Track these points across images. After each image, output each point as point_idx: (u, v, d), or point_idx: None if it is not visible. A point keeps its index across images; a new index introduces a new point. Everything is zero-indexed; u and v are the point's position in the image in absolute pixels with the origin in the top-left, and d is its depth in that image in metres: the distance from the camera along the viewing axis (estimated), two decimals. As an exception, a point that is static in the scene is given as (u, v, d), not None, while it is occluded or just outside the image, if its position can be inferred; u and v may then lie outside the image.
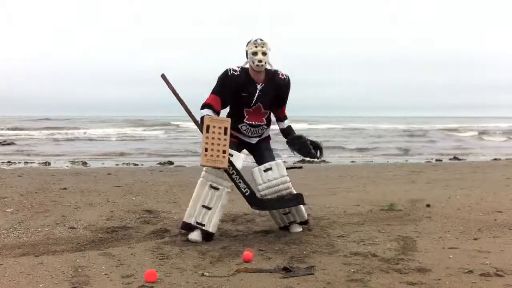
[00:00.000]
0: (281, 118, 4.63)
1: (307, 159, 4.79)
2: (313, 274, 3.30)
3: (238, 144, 4.47)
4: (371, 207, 5.93)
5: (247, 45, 4.28)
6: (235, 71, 4.28)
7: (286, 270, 3.34)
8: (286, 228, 4.59)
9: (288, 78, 4.43)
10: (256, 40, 4.23)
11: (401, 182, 8.62)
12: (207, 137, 4.08)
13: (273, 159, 4.44)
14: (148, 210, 5.66)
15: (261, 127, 4.47)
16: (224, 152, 4.09)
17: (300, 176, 9.69)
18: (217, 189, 4.14)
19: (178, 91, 4.30)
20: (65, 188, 7.39)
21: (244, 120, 4.39)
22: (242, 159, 4.24)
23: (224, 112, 4.47)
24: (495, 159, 15.14)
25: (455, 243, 4.15)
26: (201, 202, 4.15)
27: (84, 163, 13.01)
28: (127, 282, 3.14)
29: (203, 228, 4.14)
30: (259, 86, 4.31)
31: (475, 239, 4.31)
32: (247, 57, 4.28)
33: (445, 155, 17.06)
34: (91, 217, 5.22)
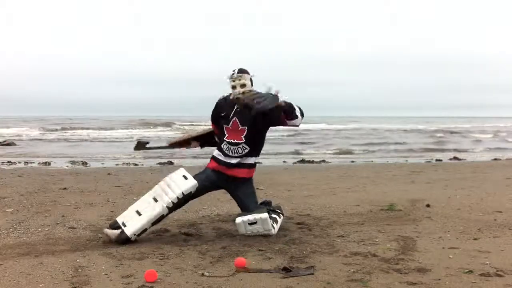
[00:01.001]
0: (290, 118, 4.40)
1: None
2: (313, 274, 3.30)
3: (216, 180, 4.50)
4: (371, 207, 5.93)
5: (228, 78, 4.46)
6: (220, 100, 4.63)
7: (286, 270, 3.34)
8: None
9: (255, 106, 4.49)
10: (232, 75, 4.40)
11: (401, 182, 8.62)
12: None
13: (258, 207, 4.46)
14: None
15: (240, 146, 4.44)
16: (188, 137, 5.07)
17: (300, 176, 9.69)
18: (156, 200, 4.23)
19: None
20: (65, 188, 7.39)
21: (225, 139, 4.50)
22: (193, 186, 4.28)
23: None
24: (495, 159, 15.14)
25: (455, 243, 4.15)
26: (137, 208, 4.22)
27: (84, 163, 13.00)
28: (127, 282, 3.14)
29: (124, 228, 4.10)
30: (236, 107, 4.46)
31: (475, 239, 4.31)
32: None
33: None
34: (91, 217, 5.22)
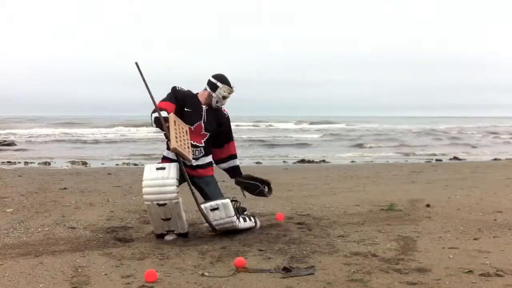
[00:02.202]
0: (232, 156, 4.72)
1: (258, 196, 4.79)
2: (313, 274, 3.30)
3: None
4: (371, 207, 5.93)
5: (218, 80, 4.44)
6: (182, 89, 4.50)
7: (286, 270, 3.34)
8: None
9: (228, 114, 4.67)
10: (232, 87, 4.47)
11: (401, 182, 8.62)
12: (175, 128, 4.14)
13: (219, 195, 4.41)
14: (148, 210, 5.66)
15: (199, 149, 4.43)
16: (189, 148, 4.28)
17: (300, 176, 9.69)
18: (164, 205, 4.12)
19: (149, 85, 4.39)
20: (65, 188, 7.39)
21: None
22: (174, 167, 4.20)
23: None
24: (495, 159, 15.14)
25: (455, 243, 4.15)
26: (159, 217, 4.19)
27: (84, 163, 13.00)
28: (127, 282, 3.14)
29: (174, 232, 4.28)
30: (204, 107, 4.47)
31: (475, 239, 4.30)
32: (212, 89, 4.43)
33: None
34: (91, 217, 5.22)
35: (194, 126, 4.41)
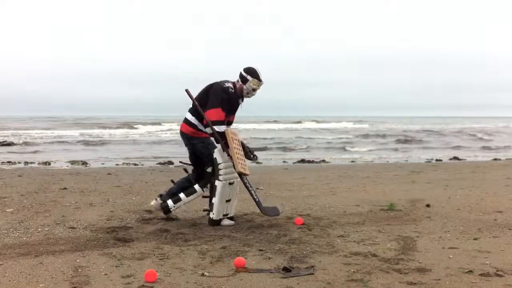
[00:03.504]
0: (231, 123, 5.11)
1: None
2: (313, 274, 3.30)
3: None
4: (371, 207, 5.93)
5: (248, 74, 4.82)
6: (232, 89, 4.87)
7: (286, 270, 3.34)
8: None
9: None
10: (261, 81, 4.85)
11: (401, 182, 8.62)
12: (235, 148, 4.74)
13: None
14: (148, 210, 5.66)
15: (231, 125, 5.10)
16: (244, 161, 4.87)
17: (300, 176, 9.69)
18: (232, 183, 4.79)
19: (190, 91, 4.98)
20: (65, 188, 7.39)
21: (229, 120, 4.99)
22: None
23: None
24: (495, 159, 15.14)
25: (455, 243, 4.16)
26: (225, 198, 4.79)
27: (84, 163, 13.01)
28: (127, 282, 3.14)
29: (228, 216, 4.91)
30: (240, 101, 5.01)
31: (475, 239, 4.31)
32: (243, 82, 4.85)
33: None
34: (91, 217, 5.22)
35: (230, 116, 4.95)
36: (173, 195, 5.10)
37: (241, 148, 4.86)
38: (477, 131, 34.24)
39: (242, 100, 5.01)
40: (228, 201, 4.83)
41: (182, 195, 5.04)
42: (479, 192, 7.15)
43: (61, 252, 3.84)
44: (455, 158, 15.56)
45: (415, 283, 3.11)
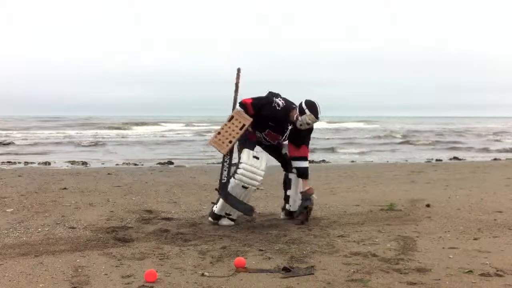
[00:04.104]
0: (302, 157, 5.08)
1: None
2: (313, 274, 3.30)
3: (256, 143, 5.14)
4: (371, 207, 5.93)
5: (307, 107, 4.76)
6: (278, 105, 4.88)
7: (286, 270, 3.34)
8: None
9: (313, 127, 5.08)
10: (317, 118, 4.82)
11: (401, 182, 8.62)
12: (225, 125, 4.83)
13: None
14: (148, 210, 5.66)
15: (269, 143, 5.13)
16: (230, 142, 4.81)
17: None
18: (247, 188, 4.73)
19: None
20: (65, 188, 7.39)
21: (262, 133, 5.02)
22: (265, 161, 4.82)
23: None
24: (495, 159, 15.13)
25: (455, 243, 4.16)
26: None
27: (84, 163, 13.01)
28: (127, 282, 3.14)
29: (230, 217, 4.88)
30: (290, 127, 4.95)
31: (475, 239, 4.31)
32: (299, 111, 4.79)
33: None
34: (91, 217, 5.22)
35: (274, 134, 4.99)
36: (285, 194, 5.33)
37: (237, 132, 4.79)
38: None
39: (292, 126, 4.92)
40: None
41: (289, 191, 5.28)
42: (479, 192, 7.15)
43: (61, 252, 3.84)
44: (455, 158, 15.57)
45: (415, 283, 3.11)
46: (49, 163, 13.02)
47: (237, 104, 4.93)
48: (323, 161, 14.53)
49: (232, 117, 4.83)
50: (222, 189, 4.81)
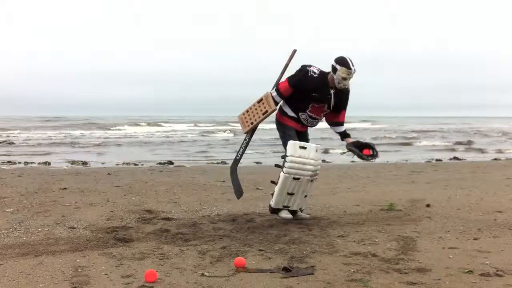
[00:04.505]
0: (340, 123, 5.15)
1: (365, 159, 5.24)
2: (313, 274, 3.30)
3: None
4: (371, 207, 5.93)
5: (337, 63, 4.71)
6: (314, 73, 4.83)
7: (286, 270, 3.34)
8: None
9: (349, 88, 5.02)
10: (350, 71, 4.71)
11: (401, 182, 8.62)
12: (253, 105, 5.01)
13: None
14: (148, 210, 5.66)
15: (317, 120, 5.08)
16: (252, 123, 5.01)
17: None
18: (298, 179, 4.72)
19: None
20: (65, 188, 7.39)
21: (307, 111, 4.95)
22: (314, 149, 4.77)
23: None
24: (495, 159, 15.13)
25: (455, 243, 4.16)
26: (286, 191, 4.76)
27: (84, 163, 13.01)
28: (127, 282, 3.14)
29: (289, 209, 4.87)
30: (332, 91, 4.88)
31: (475, 239, 4.31)
32: (333, 72, 4.76)
33: None
34: (91, 217, 5.22)
35: (319, 105, 4.90)
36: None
37: (259, 116, 4.94)
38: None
39: (333, 90, 4.84)
40: (290, 194, 4.77)
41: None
42: (479, 192, 7.15)
43: (61, 252, 3.84)
44: (455, 158, 15.56)
45: (415, 283, 3.11)
46: (49, 163, 13.02)
47: (275, 89, 4.96)
48: (323, 161, 14.53)
49: (261, 99, 4.95)
50: (232, 164, 5.11)
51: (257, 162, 13.73)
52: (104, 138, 26.37)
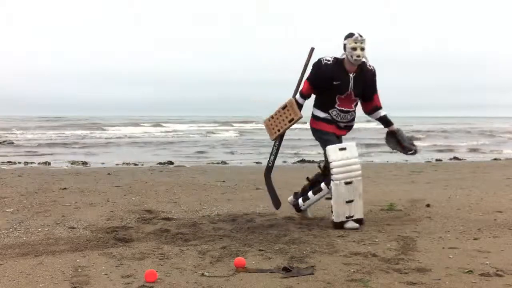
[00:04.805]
0: (376, 107, 4.98)
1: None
2: (313, 274, 3.30)
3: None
4: (371, 207, 5.92)
5: (345, 39, 4.64)
6: (328, 61, 4.73)
7: (286, 270, 3.34)
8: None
9: (374, 69, 4.88)
10: (356, 37, 4.58)
11: (401, 182, 8.62)
12: (278, 111, 4.92)
13: None
14: (148, 210, 5.66)
15: (350, 113, 4.87)
16: (278, 130, 4.94)
17: (300, 176, 9.68)
18: (350, 182, 4.58)
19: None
20: (65, 188, 7.39)
21: (336, 106, 4.80)
22: (354, 147, 4.70)
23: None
24: (495, 159, 15.13)
25: (455, 243, 4.16)
26: (343, 199, 4.60)
27: (84, 163, 13.01)
28: (127, 282, 3.14)
29: (353, 218, 4.65)
30: (351, 75, 4.72)
31: (475, 239, 4.31)
32: (344, 50, 4.65)
33: None
34: (91, 217, 5.22)
35: (345, 95, 4.75)
36: (304, 193, 5.16)
37: (285, 123, 4.87)
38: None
39: (354, 74, 4.71)
40: (349, 202, 4.61)
41: (310, 193, 5.06)
42: (479, 192, 7.15)
43: (61, 252, 3.84)
44: (455, 158, 15.56)
45: (415, 283, 3.11)
46: (49, 163, 13.03)
47: (297, 95, 4.88)
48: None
49: (285, 106, 4.88)
50: (266, 172, 5.06)
51: (257, 162, 13.74)
52: (104, 138, 26.38)
